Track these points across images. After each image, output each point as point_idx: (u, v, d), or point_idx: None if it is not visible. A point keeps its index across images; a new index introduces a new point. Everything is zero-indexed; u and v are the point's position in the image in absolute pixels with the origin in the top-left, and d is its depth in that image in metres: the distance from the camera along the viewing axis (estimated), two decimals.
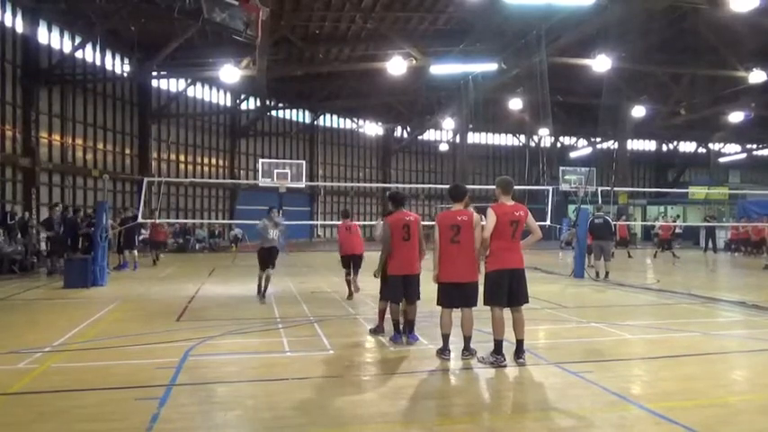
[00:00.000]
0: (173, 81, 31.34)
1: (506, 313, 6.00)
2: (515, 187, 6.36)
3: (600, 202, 17.97)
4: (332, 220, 36.93)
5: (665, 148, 47.14)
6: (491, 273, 5.97)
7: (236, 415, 4.55)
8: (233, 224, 29.66)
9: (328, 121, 40.40)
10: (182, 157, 32.61)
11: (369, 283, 9.64)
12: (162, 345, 6.84)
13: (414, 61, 24.49)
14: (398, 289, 6.88)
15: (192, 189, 32.45)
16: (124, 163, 28.87)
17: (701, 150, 45.64)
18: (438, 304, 6.23)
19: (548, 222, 18.78)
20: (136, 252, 17.20)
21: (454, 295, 6.11)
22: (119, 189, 27.94)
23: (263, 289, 10.50)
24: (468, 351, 6.11)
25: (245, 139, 36.04)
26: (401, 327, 6.99)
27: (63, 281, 12.69)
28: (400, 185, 37.99)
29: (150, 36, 24.19)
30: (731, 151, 44.32)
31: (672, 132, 41.46)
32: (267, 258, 10.46)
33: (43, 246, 17.42)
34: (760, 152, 44.13)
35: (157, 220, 19.02)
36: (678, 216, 31.76)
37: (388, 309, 7.29)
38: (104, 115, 27.49)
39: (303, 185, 25.10)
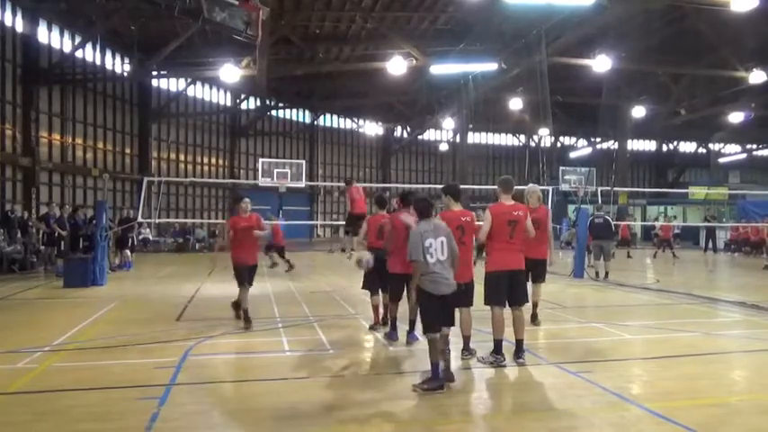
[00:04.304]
0: (173, 81, 31.35)
1: (506, 313, 6.00)
2: (516, 187, 6.33)
3: (600, 201, 17.96)
4: (332, 219, 36.95)
5: (664, 148, 47.13)
6: (490, 273, 5.95)
7: (236, 415, 4.54)
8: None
9: (328, 120, 40.40)
10: (182, 157, 32.63)
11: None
12: (161, 344, 6.84)
13: (414, 61, 24.49)
14: (401, 288, 6.91)
15: (192, 189, 32.46)
16: (124, 162, 28.88)
17: (701, 150, 45.65)
18: None
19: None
20: (128, 251, 17.10)
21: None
22: (119, 188, 27.94)
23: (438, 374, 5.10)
24: (467, 351, 6.10)
25: (245, 138, 36.05)
26: (397, 324, 7.07)
27: (62, 280, 12.69)
28: (400, 185, 38.05)
29: (150, 36, 24.21)
30: (731, 151, 44.32)
31: (672, 132, 41.46)
32: (438, 313, 5.18)
33: (40, 244, 17.36)
34: (760, 152, 44.13)
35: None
36: (675, 217, 31.76)
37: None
38: (104, 115, 27.50)
39: (303, 185, 25.10)
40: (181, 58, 25.44)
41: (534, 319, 7.97)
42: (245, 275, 7.95)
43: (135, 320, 8.51)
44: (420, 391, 4.97)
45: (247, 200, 8.22)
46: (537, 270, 7.81)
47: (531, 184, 8.49)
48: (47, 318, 8.93)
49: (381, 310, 7.60)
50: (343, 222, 11.95)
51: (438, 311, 5.17)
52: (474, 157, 37.74)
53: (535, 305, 8.04)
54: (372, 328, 7.67)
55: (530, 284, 7.42)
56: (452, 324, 5.35)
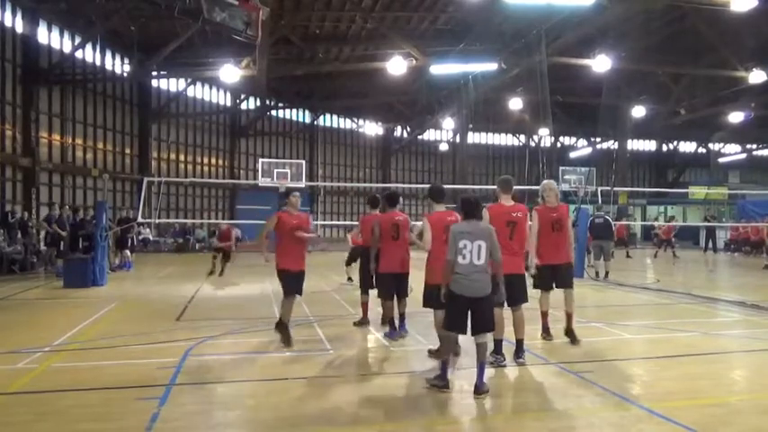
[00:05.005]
0: (173, 81, 31.34)
1: (506, 313, 6.00)
2: (516, 187, 6.29)
3: (600, 201, 17.95)
4: (332, 219, 36.95)
5: (664, 148, 47.11)
6: None
7: (236, 415, 4.55)
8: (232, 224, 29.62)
9: (328, 120, 40.36)
10: (182, 157, 32.63)
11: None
12: (162, 345, 6.84)
13: (414, 61, 24.48)
14: (390, 286, 7.05)
15: (192, 189, 32.45)
16: (124, 163, 28.88)
17: (701, 150, 45.62)
18: (428, 306, 5.99)
19: None
20: (128, 252, 17.11)
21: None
22: (119, 189, 27.94)
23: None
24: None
25: (245, 138, 36.02)
26: (396, 322, 7.17)
27: (63, 281, 12.69)
28: (400, 185, 38.07)
29: (150, 36, 24.20)
30: (731, 151, 44.31)
31: (672, 132, 41.44)
32: (457, 314, 5.02)
33: (42, 245, 17.38)
34: (760, 152, 44.12)
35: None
36: (673, 217, 31.80)
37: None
38: (104, 115, 27.51)
39: (303, 185, 25.08)
40: (181, 59, 25.44)
41: (570, 334, 6.89)
42: (292, 283, 6.86)
43: (135, 321, 8.52)
44: (428, 385, 5.02)
45: (297, 194, 7.20)
46: (563, 276, 6.94)
47: (546, 180, 7.20)
48: (47, 318, 8.93)
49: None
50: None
51: (458, 312, 4.94)
52: (474, 157, 37.72)
53: (569, 317, 6.95)
54: (359, 324, 7.90)
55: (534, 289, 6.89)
56: (483, 330, 5.00)
